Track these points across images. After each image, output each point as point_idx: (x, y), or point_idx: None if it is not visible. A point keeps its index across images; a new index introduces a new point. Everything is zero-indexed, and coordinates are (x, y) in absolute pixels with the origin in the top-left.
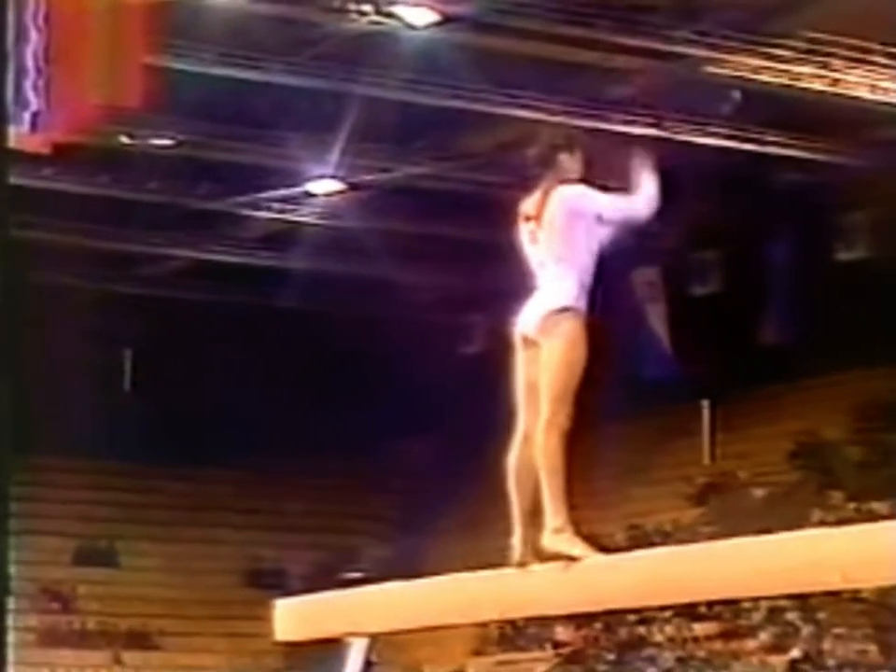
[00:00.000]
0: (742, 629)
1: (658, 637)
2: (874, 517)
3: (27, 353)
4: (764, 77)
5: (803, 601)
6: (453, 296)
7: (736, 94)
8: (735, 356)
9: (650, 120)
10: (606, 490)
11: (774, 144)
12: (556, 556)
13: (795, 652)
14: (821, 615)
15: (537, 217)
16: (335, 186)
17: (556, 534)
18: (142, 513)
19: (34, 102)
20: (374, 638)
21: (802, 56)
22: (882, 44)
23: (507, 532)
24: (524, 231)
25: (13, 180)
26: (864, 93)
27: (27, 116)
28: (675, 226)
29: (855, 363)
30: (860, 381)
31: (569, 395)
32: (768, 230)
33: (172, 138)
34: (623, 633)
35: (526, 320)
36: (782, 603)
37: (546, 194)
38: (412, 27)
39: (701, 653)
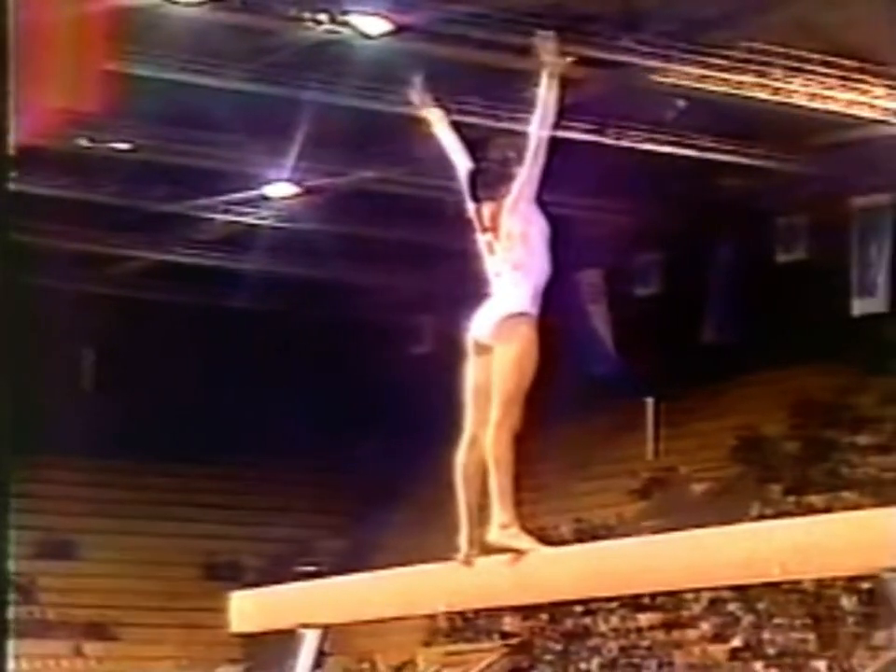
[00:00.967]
0: (684, 619)
1: (603, 628)
2: (811, 510)
3: None
4: (706, 86)
5: (743, 592)
6: (404, 298)
7: (679, 102)
8: (677, 354)
9: (593, 127)
10: (551, 485)
11: (715, 150)
12: (503, 551)
13: (736, 642)
14: (761, 606)
15: (493, 229)
16: (291, 189)
17: (503, 529)
18: (101, 507)
19: None
20: (327, 629)
21: (742, 65)
22: (820, 53)
23: (456, 526)
24: (481, 242)
25: None
26: (803, 101)
27: None
28: (617, 229)
29: (793, 361)
30: (798, 378)
31: (520, 397)
32: (710, 232)
33: (131, 142)
34: (568, 624)
35: (480, 325)
36: (723, 594)
37: (500, 207)
38: (366, 36)
39: (644, 643)
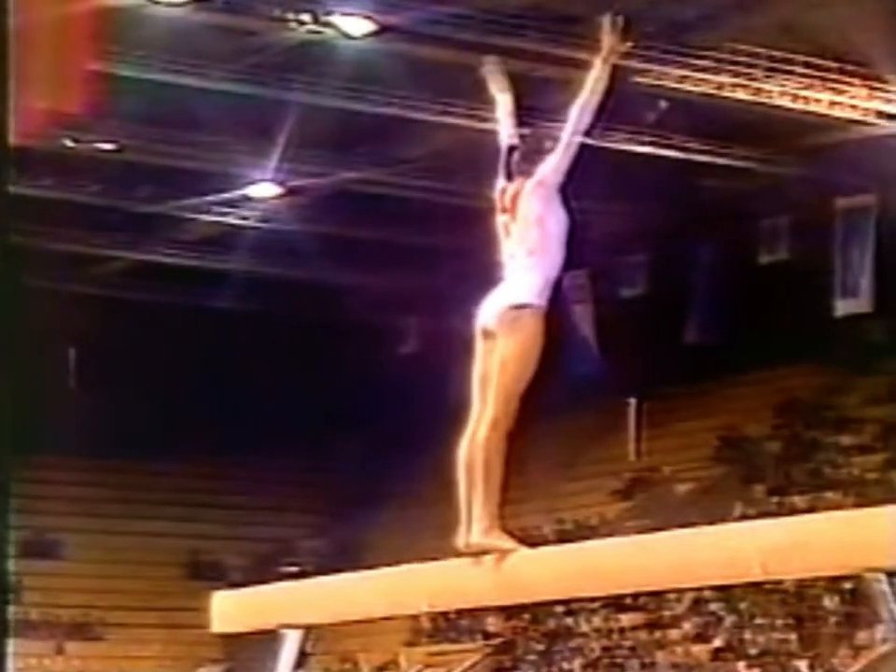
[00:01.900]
0: (666, 620)
1: (585, 628)
2: (794, 511)
3: None
4: (689, 87)
5: (725, 592)
6: (387, 298)
7: (662, 103)
8: (661, 355)
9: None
10: (534, 485)
11: (698, 151)
12: (486, 551)
13: (718, 642)
14: (743, 606)
15: (511, 211)
16: (274, 190)
17: (485, 531)
18: (85, 507)
19: None
20: (309, 630)
21: (724, 67)
22: (801, 54)
23: (439, 526)
24: (499, 223)
25: None
26: (785, 102)
27: None
28: (602, 229)
29: (776, 362)
30: (781, 379)
31: (518, 394)
32: (693, 233)
33: (115, 142)
34: (551, 624)
35: (487, 312)
36: (705, 594)
37: (521, 186)
38: (349, 37)
39: (627, 643)
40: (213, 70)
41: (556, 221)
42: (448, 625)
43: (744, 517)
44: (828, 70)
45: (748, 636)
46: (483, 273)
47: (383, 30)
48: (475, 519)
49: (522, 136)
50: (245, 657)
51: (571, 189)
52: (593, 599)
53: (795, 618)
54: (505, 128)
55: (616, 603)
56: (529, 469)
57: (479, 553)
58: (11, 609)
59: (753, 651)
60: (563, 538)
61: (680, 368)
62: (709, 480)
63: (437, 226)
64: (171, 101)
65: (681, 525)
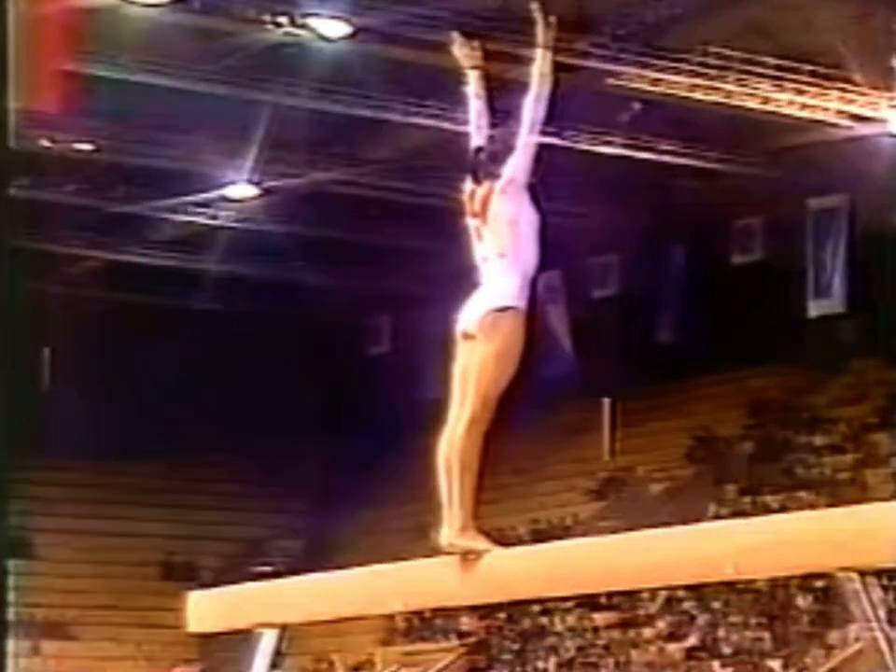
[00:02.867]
0: (640, 619)
1: (559, 627)
2: (767, 510)
3: None
4: (661, 89)
5: (698, 591)
6: (362, 297)
7: (635, 105)
8: (634, 355)
9: (550, 130)
10: (508, 485)
11: (671, 153)
12: (462, 551)
13: (692, 641)
14: (717, 605)
15: (482, 215)
16: (250, 191)
17: (460, 532)
18: (58, 507)
19: None
20: (284, 629)
21: (697, 69)
22: (773, 57)
23: (411, 527)
24: (470, 227)
25: None
26: (757, 105)
27: None
28: (575, 231)
29: (749, 362)
30: (753, 379)
31: (497, 395)
32: (666, 234)
33: (92, 142)
34: (525, 623)
35: (468, 316)
36: (679, 593)
37: (490, 190)
38: (325, 39)
39: (601, 642)
40: (189, 71)
41: (528, 221)
42: (423, 625)
43: (717, 517)
44: (799, 73)
45: (721, 634)
46: (456, 273)
47: (358, 32)
48: (451, 518)
49: (489, 137)
50: (221, 657)
51: (544, 191)
52: (567, 599)
53: (768, 617)
54: (474, 136)
55: (590, 602)
56: (504, 468)
57: (454, 552)
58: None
59: (727, 650)
60: (537, 537)
61: (654, 368)
62: (682, 480)
63: (411, 226)
64: (147, 101)
65: (655, 524)
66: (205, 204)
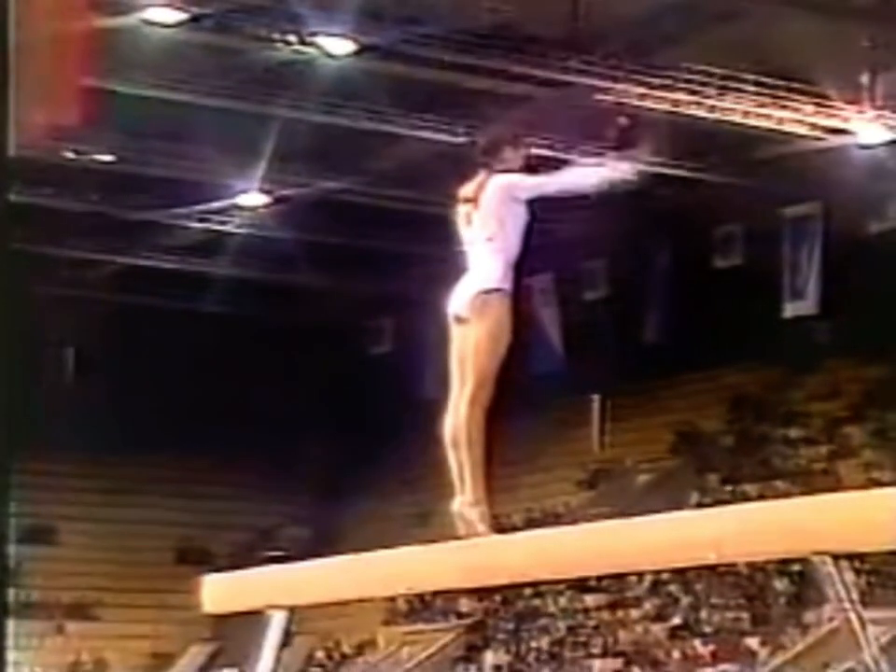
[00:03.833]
0: (628, 600)
1: (552, 609)
2: (746, 498)
3: None
4: (648, 104)
5: (682, 575)
6: (364, 299)
7: (622, 119)
8: (621, 354)
9: (544, 142)
10: (504, 476)
11: (657, 164)
12: (465, 524)
13: (676, 621)
14: (699, 587)
15: (474, 200)
16: (261, 199)
17: (473, 506)
18: (81, 496)
19: None
20: (293, 611)
21: (681, 85)
22: (753, 74)
23: (413, 514)
24: (460, 213)
25: None
26: (738, 118)
27: None
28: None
29: (729, 360)
30: (733, 376)
31: (494, 372)
32: (652, 240)
33: (112, 154)
34: (520, 605)
35: (458, 300)
36: (664, 577)
37: (485, 180)
38: (331, 56)
39: (591, 623)
40: (203, 86)
41: (516, 214)
42: (423, 606)
43: (699, 505)
44: (777, 88)
45: (703, 615)
46: (454, 278)
47: (362, 50)
48: (464, 490)
49: (483, 129)
50: (233, 637)
51: (540, 200)
52: (559, 582)
53: (747, 598)
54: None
55: (580, 585)
56: (499, 461)
57: (462, 521)
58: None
59: (708, 630)
60: (531, 525)
61: (640, 366)
62: (667, 470)
63: (413, 232)
64: (164, 115)
65: (641, 512)
66: (218, 212)
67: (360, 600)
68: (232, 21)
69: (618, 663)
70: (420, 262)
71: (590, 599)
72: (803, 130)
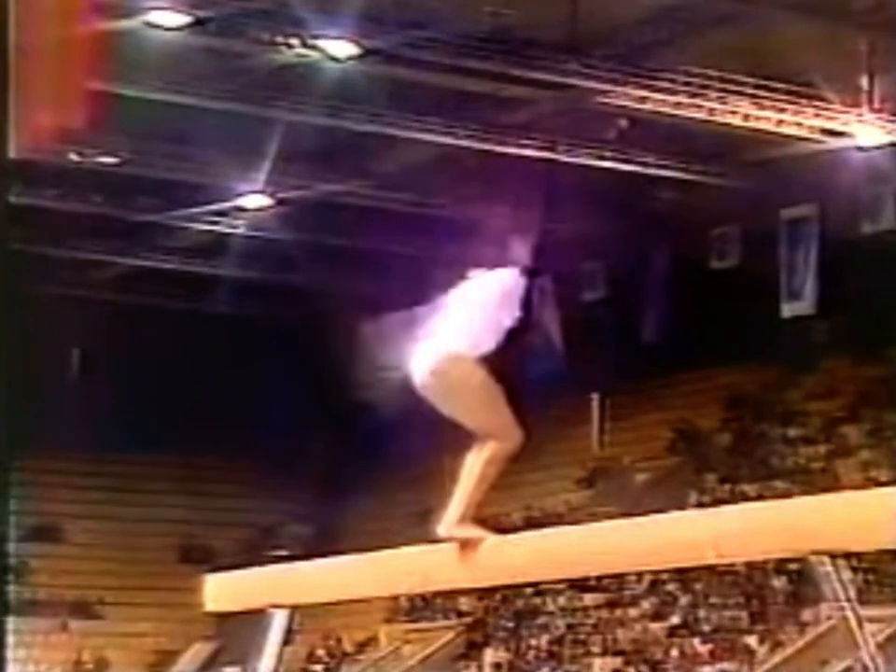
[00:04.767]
0: (626, 599)
1: (551, 607)
2: (744, 498)
3: None
4: (647, 107)
5: (681, 574)
6: (365, 299)
7: (622, 122)
8: (620, 353)
9: (545, 144)
10: (504, 474)
11: (656, 166)
12: (459, 541)
13: (674, 619)
14: (698, 586)
15: (472, 279)
16: (264, 201)
17: (458, 524)
18: (86, 495)
19: None
20: (296, 609)
21: (680, 88)
22: (751, 77)
23: (414, 514)
24: (461, 286)
25: None
26: (735, 121)
27: None
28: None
29: (727, 360)
30: (731, 375)
31: (497, 413)
32: (650, 241)
33: (116, 156)
34: (519, 603)
35: (419, 367)
36: (663, 576)
37: (489, 268)
38: (333, 59)
39: (590, 621)
40: (207, 89)
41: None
42: (424, 605)
43: (698, 504)
44: (775, 91)
45: (702, 614)
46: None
47: (366, 53)
48: (451, 510)
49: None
50: (236, 635)
51: (541, 201)
52: (558, 581)
53: (746, 597)
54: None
55: (580, 584)
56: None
57: (452, 541)
58: (16, 589)
59: (707, 628)
60: (530, 523)
61: (639, 366)
62: (665, 469)
63: (413, 233)
64: (168, 118)
65: (640, 511)
66: (222, 214)
67: (362, 599)
68: (235, 25)
69: (617, 661)
70: (421, 263)
71: (589, 598)
72: (800, 132)
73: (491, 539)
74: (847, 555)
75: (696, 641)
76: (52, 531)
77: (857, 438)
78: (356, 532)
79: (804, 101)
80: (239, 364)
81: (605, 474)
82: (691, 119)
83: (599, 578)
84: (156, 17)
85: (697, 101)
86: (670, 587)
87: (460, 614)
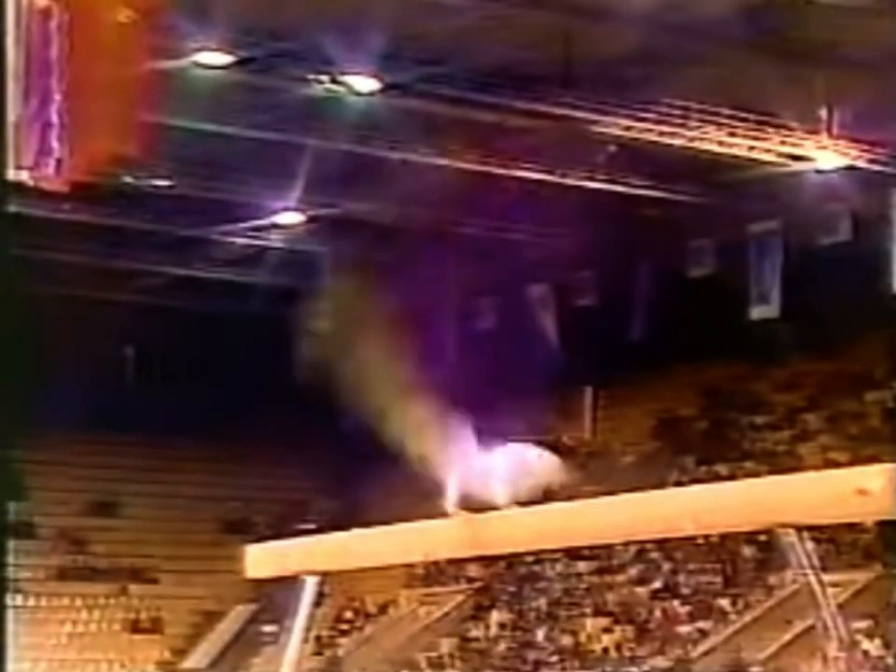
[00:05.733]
0: (615, 566)
1: (549, 573)
2: (719, 477)
3: (56, 355)
4: (633, 134)
5: (663, 544)
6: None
7: (611, 147)
8: (609, 351)
9: (543, 168)
10: None
11: (640, 186)
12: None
13: (657, 584)
14: (678, 555)
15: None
16: (297, 218)
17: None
18: (140, 475)
19: (57, 150)
20: (325, 576)
21: (663, 118)
22: (726, 107)
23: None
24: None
25: (43, 215)
26: (712, 147)
27: (52, 162)
28: (561, 251)
29: (702, 356)
30: (707, 370)
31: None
32: (635, 253)
33: (166, 178)
34: (521, 570)
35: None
36: (647, 546)
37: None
38: (358, 93)
39: (583, 586)
40: (248, 119)
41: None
42: (438, 572)
43: (678, 483)
44: (745, 121)
45: (681, 579)
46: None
47: (386, 88)
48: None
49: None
50: (273, 598)
51: (537, 219)
52: (555, 550)
53: (720, 564)
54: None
55: (574, 553)
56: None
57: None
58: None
59: (686, 592)
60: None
61: (626, 362)
62: (649, 453)
63: (430, 250)
64: (212, 145)
65: (627, 490)
66: (259, 229)
67: (383, 567)
68: (272, 63)
69: (607, 621)
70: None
71: (582, 565)
72: (767, 157)
73: (497, 513)
74: (810, 528)
75: (676, 603)
76: (112, 507)
77: (816, 424)
78: (379, 507)
79: (770, 129)
80: (272, 361)
81: (595, 457)
82: (671, 144)
83: (591, 547)
84: (204, 57)
85: (677, 129)
86: (653, 555)
87: (469, 580)
